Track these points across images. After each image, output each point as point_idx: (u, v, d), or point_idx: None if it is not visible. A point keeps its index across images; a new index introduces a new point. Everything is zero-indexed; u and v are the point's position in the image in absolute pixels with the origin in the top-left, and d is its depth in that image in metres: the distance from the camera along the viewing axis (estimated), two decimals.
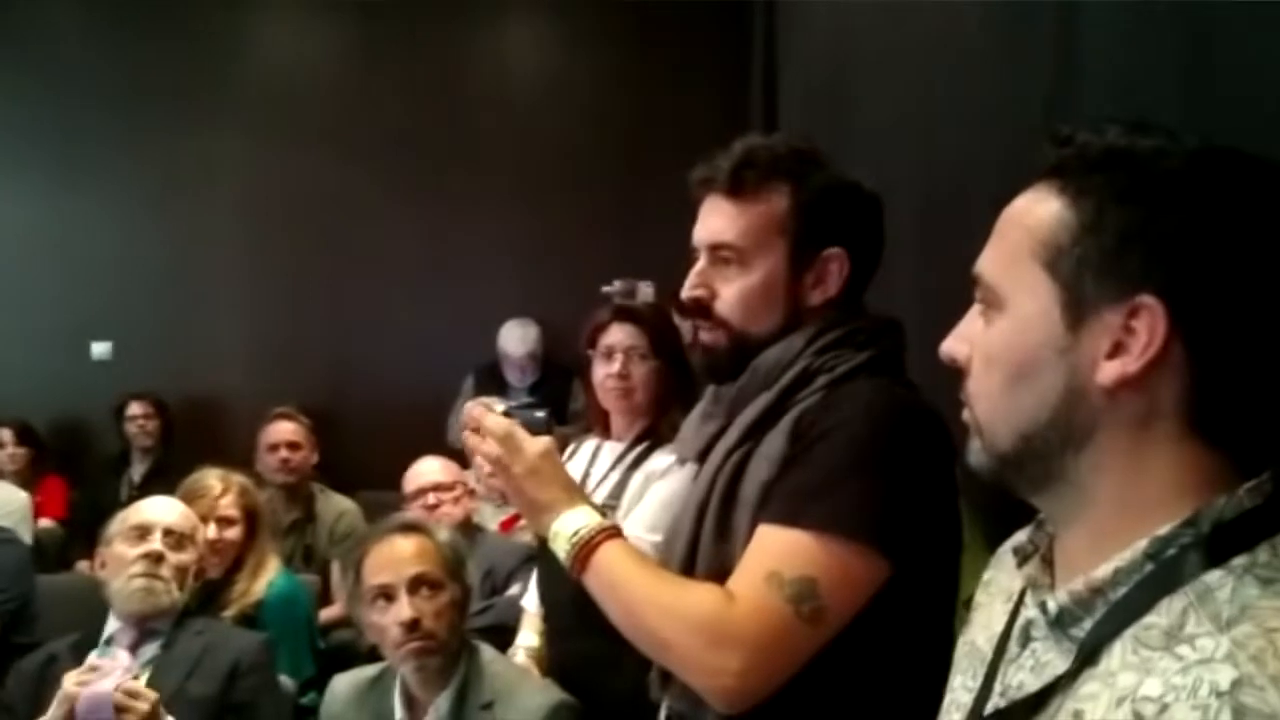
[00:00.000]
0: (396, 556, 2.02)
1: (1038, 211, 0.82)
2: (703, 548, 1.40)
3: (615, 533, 1.39)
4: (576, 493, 1.44)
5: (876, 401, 1.34)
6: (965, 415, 0.89)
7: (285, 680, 2.66)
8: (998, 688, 0.88)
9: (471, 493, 3.51)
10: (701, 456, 1.52)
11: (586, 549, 1.35)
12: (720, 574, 1.35)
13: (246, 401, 5.00)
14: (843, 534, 1.26)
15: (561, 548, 1.38)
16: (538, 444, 1.44)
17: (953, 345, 0.89)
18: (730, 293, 1.44)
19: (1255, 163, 0.78)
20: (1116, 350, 0.78)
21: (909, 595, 1.31)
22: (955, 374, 0.90)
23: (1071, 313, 0.80)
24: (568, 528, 1.38)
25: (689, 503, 1.47)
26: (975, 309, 0.88)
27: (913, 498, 1.30)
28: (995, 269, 0.85)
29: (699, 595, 1.30)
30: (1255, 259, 0.76)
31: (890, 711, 1.32)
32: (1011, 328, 0.83)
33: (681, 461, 1.68)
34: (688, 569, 1.41)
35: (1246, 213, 0.76)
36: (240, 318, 5.48)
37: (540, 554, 2.56)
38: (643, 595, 1.32)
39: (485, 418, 1.46)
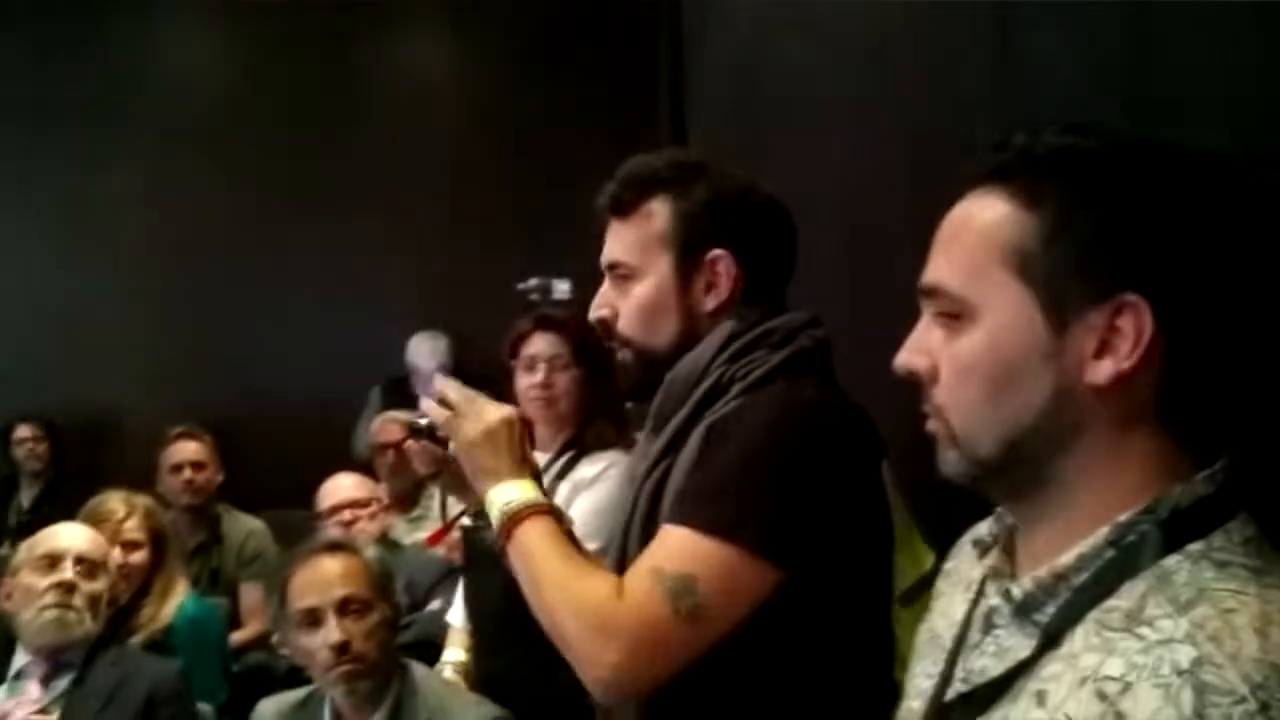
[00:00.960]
0: (323, 578, 1.97)
1: (992, 218, 0.83)
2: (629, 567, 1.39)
3: (547, 511, 1.40)
4: (525, 468, 1.45)
5: (781, 405, 1.35)
6: (931, 426, 0.89)
7: (204, 708, 2.58)
8: (959, 673, 0.90)
9: (387, 508, 3.45)
10: None
11: (514, 520, 1.37)
12: None
13: (143, 421, 4.84)
14: (727, 537, 1.27)
15: (494, 516, 1.41)
16: (501, 410, 1.47)
17: (911, 359, 0.89)
18: (627, 309, 1.47)
19: (1197, 155, 0.81)
20: (1103, 349, 0.80)
21: (816, 601, 1.31)
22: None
23: (1054, 316, 0.81)
24: (503, 497, 1.40)
25: (616, 525, 1.49)
26: (927, 320, 0.88)
27: (814, 505, 1.30)
28: (958, 279, 0.85)
29: (594, 584, 1.32)
30: (1219, 248, 0.79)
31: (811, 712, 1.34)
32: (990, 336, 0.83)
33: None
34: None
35: (1206, 203, 0.79)
36: (134, 335, 5.29)
37: (466, 568, 2.53)
38: (549, 573, 1.34)
39: (449, 389, 1.49)
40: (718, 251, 1.44)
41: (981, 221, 0.84)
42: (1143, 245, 0.79)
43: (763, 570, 1.28)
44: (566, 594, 1.32)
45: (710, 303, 1.45)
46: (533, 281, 3.54)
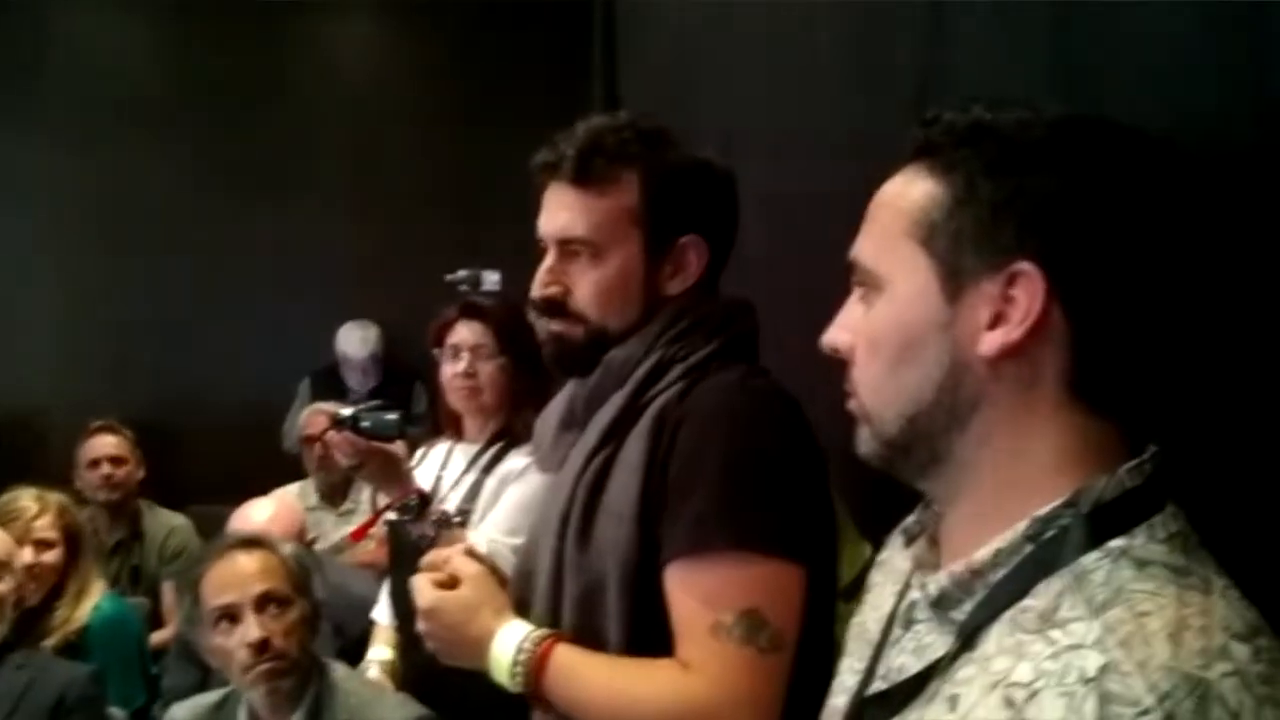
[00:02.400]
0: (239, 574, 1.91)
1: (909, 192, 0.82)
2: (567, 559, 1.34)
3: (553, 634, 1.31)
4: (506, 610, 1.35)
5: (740, 402, 1.30)
6: (851, 405, 0.87)
7: (116, 712, 2.50)
8: (881, 669, 0.88)
9: (312, 542, 3.26)
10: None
11: (538, 663, 1.28)
12: (589, 587, 1.31)
13: (60, 415, 4.71)
14: (755, 549, 1.23)
15: (509, 670, 1.30)
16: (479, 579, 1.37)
17: (834, 335, 0.88)
18: (586, 288, 1.38)
19: (1115, 128, 0.80)
20: (997, 320, 0.78)
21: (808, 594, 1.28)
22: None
23: (950, 286, 0.79)
24: (509, 642, 1.30)
25: (549, 513, 1.40)
26: (854, 297, 0.87)
27: (796, 494, 1.28)
28: (871, 252, 0.85)
29: (659, 684, 1.24)
30: (1125, 220, 0.77)
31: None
32: (892, 308, 0.83)
33: (544, 473, 1.62)
34: (554, 582, 1.35)
35: (1112, 175, 0.77)
36: (53, 325, 5.14)
37: (391, 563, 2.48)
38: (609, 696, 1.26)
39: (458, 562, 1.39)
40: (692, 237, 1.38)
41: (898, 195, 0.83)
42: (1039, 214, 0.77)
43: (794, 569, 1.24)
44: (642, 709, 1.25)
45: (675, 286, 1.38)
46: (462, 273, 3.51)
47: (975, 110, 0.81)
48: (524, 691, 1.29)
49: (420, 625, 1.40)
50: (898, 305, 0.82)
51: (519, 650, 1.29)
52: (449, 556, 1.41)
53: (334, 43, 5.55)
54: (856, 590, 1.37)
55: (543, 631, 1.31)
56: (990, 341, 0.78)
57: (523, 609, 1.39)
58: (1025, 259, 0.76)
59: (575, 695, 1.28)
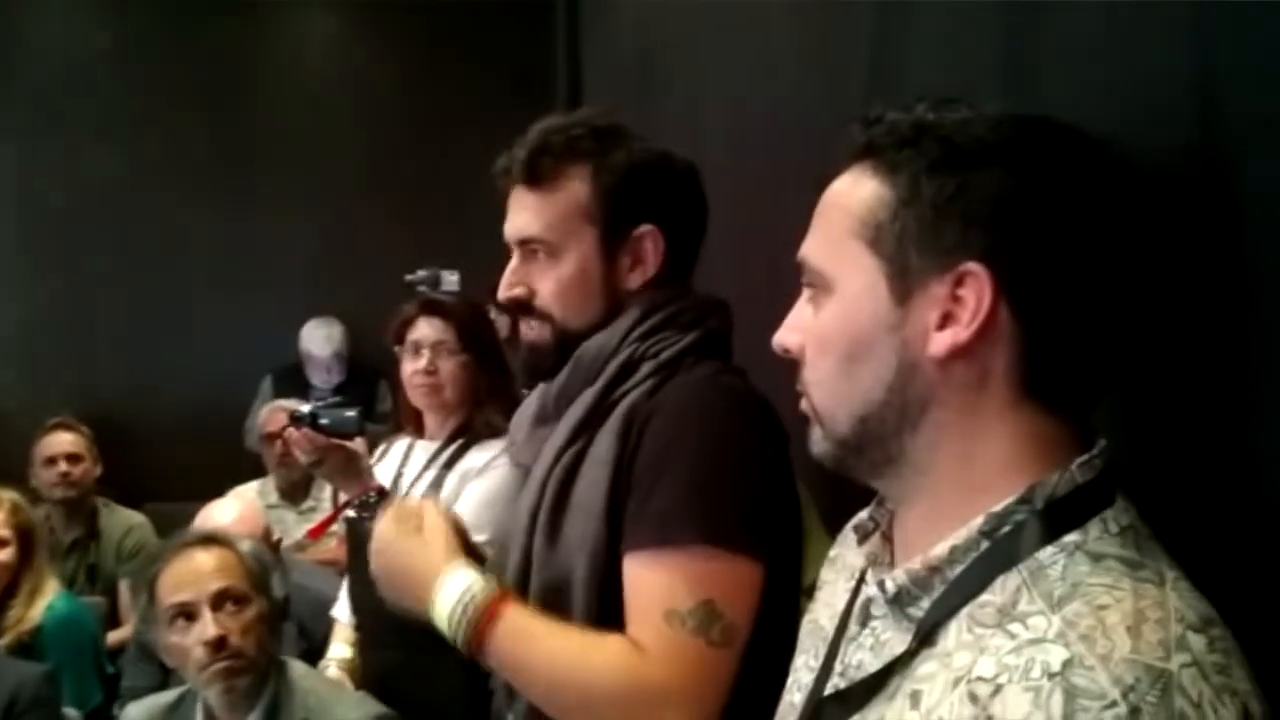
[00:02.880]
0: (196, 571, 1.88)
1: (856, 192, 0.83)
2: (536, 556, 1.33)
3: (506, 592, 1.28)
4: (458, 554, 1.31)
5: (711, 399, 1.30)
6: (803, 405, 0.88)
7: (71, 713, 2.47)
8: (838, 667, 0.88)
9: (279, 542, 3.24)
10: None
11: (485, 616, 1.23)
12: (555, 582, 1.31)
13: (15, 412, 4.63)
14: (720, 545, 1.22)
15: (451, 616, 1.24)
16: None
17: (784, 336, 0.88)
18: (547, 285, 1.38)
19: (1057, 126, 0.80)
20: (946, 321, 0.78)
21: (770, 592, 1.27)
22: (777, 358, 0.89)
23: (898, 287, 0.80)
24: (455, 589, 1.25)
25: (520, 509, 1.40)
26: (803, 299, 0.88)
27: (763, 493, 1.28)
28: (819, 252, 0.85)
29: (609, 657, 1.22)
30: (1070, 218, 0.77)
31: (738, 707, 1.28)
32: (841, 309, 0.83)
33: (518, 468, 1.60)
34: (522, 578, 1.35)
35: (1057, 173, 0.78)
36: (8, 320, 5.06)
37: (350, 561, 2.46)
38: (553, 666, 1.23)
39: (428, 514, 1.35)
40: (647, 228, 1.37)
41: (845, 196, 0.84)
42: (984, 213, 0.77)
43: (755, 566, 1.24)
44: (589, 690, 1.22)
45: (636, 279, 1.38)
46: (421, 273, 3.48)
47: (918, 110, 0.81)
48: (464, 643, 1.24)
49: (372, 562, 1.37)
50: (846, 306, 0.82)
51: (467, 593, 1.23)
52: (423, 508, 1.37)
53: (297, 40, 5.49)
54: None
55: (494, 584, 1.26)
56: (939, 342, 0.78)
57: None
58: (972, 259, 0.76)
59: (520, 657, 1.24)
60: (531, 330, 1.41)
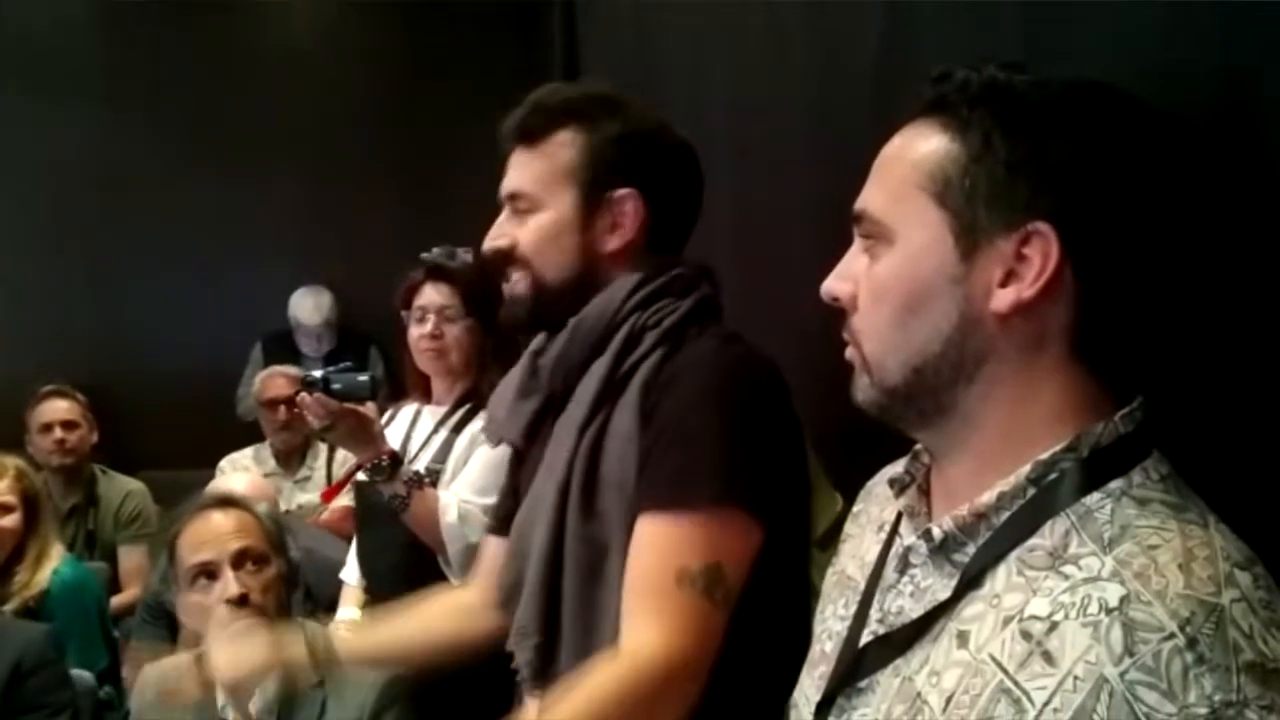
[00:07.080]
0: (217, 532, 1.90)
1: (922, 147, 0.84)
2: (570, 531, 1.35)
3: None
4: None
5: (721, 366, 1.33)
6: (849, 353, 0.89)
7: (82, 674, 2.50)
8: (875, 614, 0.90)
9: (286, 513, 3.28)
10: (528, 436, 1.48)
11: None
12: (592, 554, 1.33)
13: (7, 379, 4.61)
14: (733, 506, 1.26)
15: None
16: None
17: (835, 284, 0.89)
18: (526, 235, 1.41)
19: (1123, 95, 0.82)
20: (1009, 278, 0.80)
21: (773, 551, 1.31)
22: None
23: (964, 241, 0.81)
24: None
25: (540, 491, 1.41)
26: (856, 247, 0.89)
27: (769, 456, 1.31)
28: (881, 204, 0.86)
29: (609, 675, 1.23)
30: (1138, 185, 0.79)
31: (751, 664, 1.30)
32: (902, 260, 0.84)
33: (496, 443, 1.63)
34: (552, 557, 1.36)
35: (1127, 140, 0.80)
36: (2, 288, 5.01)
37: (360, 523, 2.49)
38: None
39: None
40: (625, 190, 1.39)
41: (910, 149, 0.85)
42: (1057, 176, 0.79)
43: (756, 529, 1.28)
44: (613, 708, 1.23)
45: (613, 243, 1.40)
46: (436, 251, 3.50)
47: (989, 70, 0.83)
48: None
49: None
50: (908, 257, 0.83)
51: None
52: None
53: (287, 9, 5.44)
54: (831, 539, 1.43)
55: None
56: (1003, 298, 0.80)
57: (513, 593, 1.41)
58: (1041, 219, 0.78)
59: None
60: (511, 284, 1.44)
